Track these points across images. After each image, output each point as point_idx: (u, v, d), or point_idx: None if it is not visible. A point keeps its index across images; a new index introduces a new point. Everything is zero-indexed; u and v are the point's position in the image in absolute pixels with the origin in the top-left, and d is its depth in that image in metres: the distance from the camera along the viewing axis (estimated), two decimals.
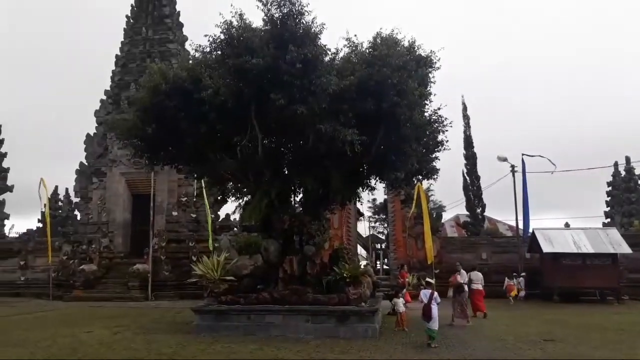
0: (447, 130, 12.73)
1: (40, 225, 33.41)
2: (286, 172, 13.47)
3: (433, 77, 12.24)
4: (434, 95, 12.30)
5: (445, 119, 12.53)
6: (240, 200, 14.45)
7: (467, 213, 34.71)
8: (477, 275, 15.02)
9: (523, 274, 21.87)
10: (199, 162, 13.32)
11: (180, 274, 22.59)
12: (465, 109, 34.86)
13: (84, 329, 12.48)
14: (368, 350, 9.50)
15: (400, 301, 12.56)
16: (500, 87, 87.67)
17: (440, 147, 13.04)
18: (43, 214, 30.95)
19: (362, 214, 31.91)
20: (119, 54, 28.30)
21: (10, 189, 33.04)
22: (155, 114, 11.88)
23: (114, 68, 28.15)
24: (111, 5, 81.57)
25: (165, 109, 11.59)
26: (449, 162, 16.54)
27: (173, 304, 19.48)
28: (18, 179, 41.78)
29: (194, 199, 25.52)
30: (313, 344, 10.08)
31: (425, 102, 12.08)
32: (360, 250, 35.42)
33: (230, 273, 15.00)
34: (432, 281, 11.29)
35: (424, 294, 10.38)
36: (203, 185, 21.29)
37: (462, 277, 14.07)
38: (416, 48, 11.96)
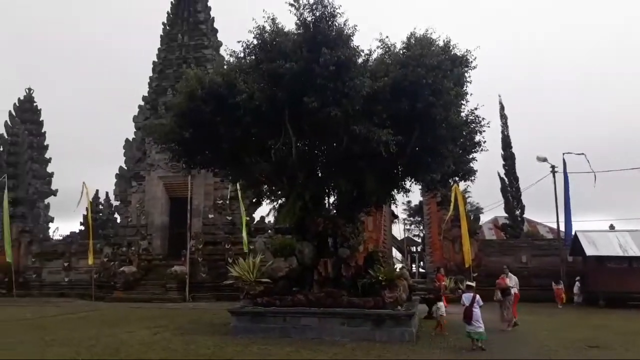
0: (484, 131, 12.50)
1: (83, 228, 34.59)
2: (320, 174, 13.49)
3: (469, 76, 12.04)
4: (470, 95, 12.11)
5: (483, 119, 12.30)
6: (275, 203, 14.55)
7: (506, 215, 33.88)
8: (513, 279, 14.66)
9: (578, 277, 21.13)
10: (234, 165, 13.51)
11: (216, 275, 22.93)
12: (502, 108, 34.09)
13: (125, 329, 12.80)
14: (405, 354, 9.38)
15: (441, 305, 12.38)
16: (540, 85, 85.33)
17: (477, 148, 12.80)
18: (85, 217, 32.07)
19: (396, 217, 31.67)
20: (156, 60, 29.04)
21: (54, 192, 34.34)
22: (191, 119, 12.11)
23: (151, 74, 28.90)
24: (150, 13, 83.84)
25: (202, 113, 11.80)
26: (487, 163, 16.21)
27: (210, 305, 19.78)
28: (61, 183, 43.37)
29: (230, 202, 25.88)
30: (349, 347, 10.03)
31: (462, 102, 11.88)
32: (395, 253, 35.11)
33: (266, 275, 15.09)
34: (473, 284, 11.09)
35: (466, 297, 10.24)
36: (238, 188, 21.60)
37: (510, 280, 13.75)
38: (451, 47, 11.77)
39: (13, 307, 19.85)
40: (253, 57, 11.73)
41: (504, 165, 33.50)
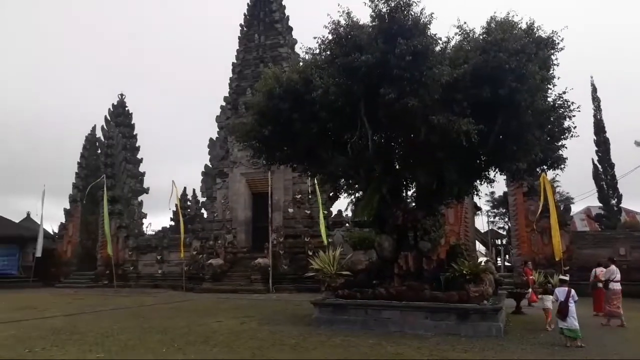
0: (574, 116, 11.68)
1: (173, 223, 36.71)
2: (397, 166, 13.34)
3: (556, 59, 11.31)
4: (558, 78, 11.37)
5: (572, 103, 11.51)
6: (352, 197, 14.60)
7: (600, 205, 31.58)
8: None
9: None
10: (311, 160, 13.71)
11: (297, 267, 23.51)
12: (594, 90, 31.75)
13: (215, 318, 13.49)
14: (492, 349, 9.08)
15: (548, 297, 11.88)
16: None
17: (567, 134, 12.02)
18: (175, 213, 34.01)
19: (479, 208, 30.57)
20: (235, 61, 30.09)
21: (146, 191, 36.66)
22: (270, 117, 12.46)
23: (231, 75, 30.00)
24: (229, 15, 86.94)
25: (280, 111, 12.10)
26: (578, 149, 15.20)
27: (292, 297, 20.30)
28: (152, 181, 46.28)
29: (308, 196, 26.36)
30: (433, 341, 9.89)
31: (548, 86, 11.20)
32: (479, 246, 33.93)
33: (345, 268, 15.24)
34: (567, 278, 10.54)
35: (560, 291, 9.77)
36: (316, 182, 21.92)
37: (609, 273, 12.86)
38: (535, 29, 11.14)
39: (115, 297, 21.61)
40: (328, 52, 11.79)
41: (597, 152, 31.23)
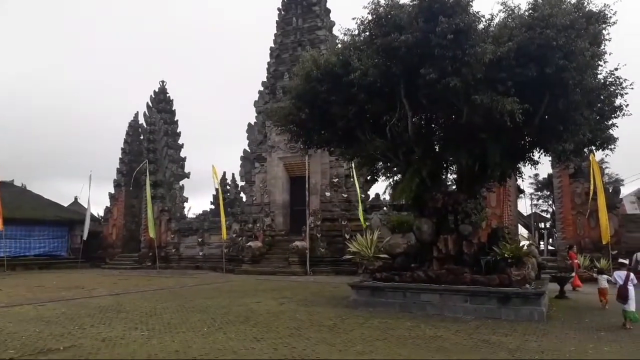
0: (626, 93, 11.13)
1: (213, 206, 37.42)
2: (437, 149, 13.11)
3: (608, 34, 10.76)
4: (610, 54, 10.83)
5: (625, 80, 10.96)
6: (390, 180, 14.46)
7: None
8: None
9: None
10: (349, 143, 13.62)
11: (334, 250, 23.65)
12: None
13: (254, 299, 13.73)
14: (534, 334, 8.86)
15: (604, 277, 11.76)
16: None
17: (618, 113, 11.49)
18: (214, 196, 34.69)
19: (522, 191, 29.78)
20: (273, 46, 30.09)
21: (187, 175, 37.43)
22: (308, 100, 12.42)
23: (269, 60, 30.04)
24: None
25: (317, 94, 12.03)
26: (630, 129, 14.51)
27: (329, 279, 20.42)
28: (193, 166, 47.24)
29: (345, 180, 26.33)
30: (473, 324, 9.75)
31: (599, 63, 10.69)
32: (521, 229, 33.11)
33: (383, 251, 15.21)
34: (626, 262, 10.33)
35: (619, 275, 9.66)
36: (353, 166, 21.85)
37: None
38: (585, 3, 10.61)
39: (158, 278, 22.31)
40: (367, 33, 11.61)
41: None
